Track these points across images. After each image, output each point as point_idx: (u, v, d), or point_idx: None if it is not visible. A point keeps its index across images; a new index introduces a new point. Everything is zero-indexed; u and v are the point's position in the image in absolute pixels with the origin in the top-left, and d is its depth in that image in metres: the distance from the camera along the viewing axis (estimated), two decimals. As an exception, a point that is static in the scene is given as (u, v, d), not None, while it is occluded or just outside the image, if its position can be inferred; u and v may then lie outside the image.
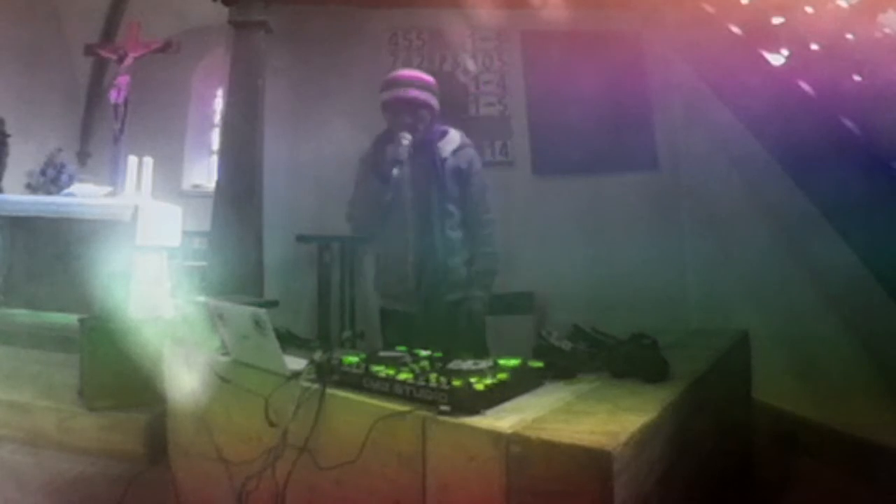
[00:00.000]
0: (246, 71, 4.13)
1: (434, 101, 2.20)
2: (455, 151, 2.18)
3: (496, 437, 1.11)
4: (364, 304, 4.35)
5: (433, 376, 1.33)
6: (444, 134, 2.22)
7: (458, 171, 2.16)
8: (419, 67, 4.08)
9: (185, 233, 4.20)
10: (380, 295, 2.30)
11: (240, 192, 4.02)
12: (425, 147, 2.16)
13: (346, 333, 4.14)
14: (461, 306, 2.10)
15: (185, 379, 1.82)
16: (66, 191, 4.29)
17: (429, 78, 2.23)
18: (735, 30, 2.81)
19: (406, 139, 2.06)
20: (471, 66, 4.58)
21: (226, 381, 1.66)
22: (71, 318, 3.01)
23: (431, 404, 1.24)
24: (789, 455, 2.61)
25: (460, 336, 2.03)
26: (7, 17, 5.65)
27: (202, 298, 2.07)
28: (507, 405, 1.28)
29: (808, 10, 2.56)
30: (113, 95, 4.68)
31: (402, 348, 1.65)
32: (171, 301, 3.19)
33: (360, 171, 2.26)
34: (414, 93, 2.15)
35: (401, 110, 2.15)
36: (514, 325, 2.13)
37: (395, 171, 2.03)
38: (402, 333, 2.06)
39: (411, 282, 2.14)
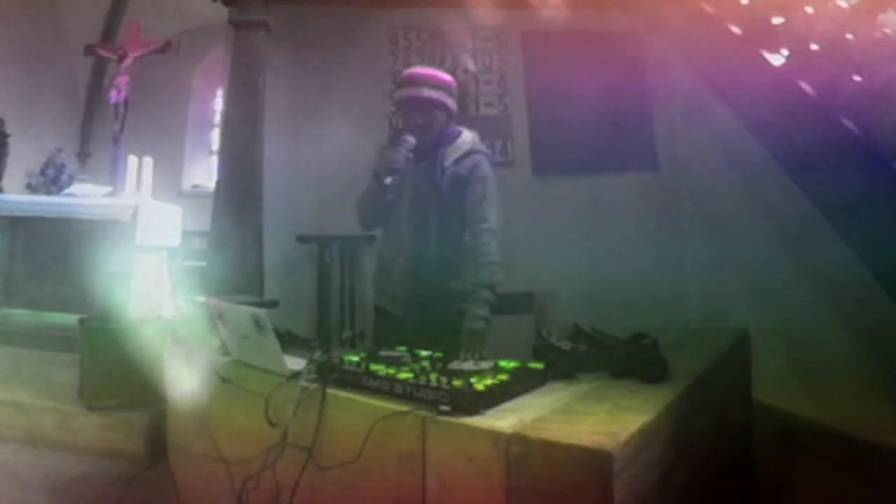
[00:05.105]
0: (246, 71, 4.13)
1: (449, 101, 2.10)
2: (459, 159, 2.07)
3: (496, 437, 1.11)
4: (364, 304, 4.37)
5: (433, 376, 1.33)
6: (455, 137, 2.11)
7: (459, 179, 2.05)
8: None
9: (185, 233, 4.20)
10: (375, 292, 2.26)
11: (240, 192, 4.02)
12: (431, 152, 2.07)
13: (346, 333, 4.16)
14: (461, 322, 1.91)
15: (185, 379, 1.82)
16: (66, 191, 4.29)
17: (445, 77, 2.13)
18: (735, 30, 2.80)
19: (408, 143, 1.99)
20: (471, 66, 4.58)
21: (226, 381, 1.67)
22: (71, 318, 3.01)
23: (432, 404, 1.24)
24: (789, 455, 2.61)
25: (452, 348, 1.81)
26: (7, 17, 5.65)
27: (202, 298, 2.07)
28: (508, 405, 1.28)
29: (808, 10, 2.56)
30: (113, 95, 4.68)
31: (403, 348, 1.65)
32: (171, 301, 3.18)
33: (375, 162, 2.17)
34: (427, 92, 2.05)
35: (413, 110, 2.06)
36: (514, 325, 2.09)
37: (389, 180, 1.96)
38: (391, 334, 2.01)
39: (400, 286, 2.09)
